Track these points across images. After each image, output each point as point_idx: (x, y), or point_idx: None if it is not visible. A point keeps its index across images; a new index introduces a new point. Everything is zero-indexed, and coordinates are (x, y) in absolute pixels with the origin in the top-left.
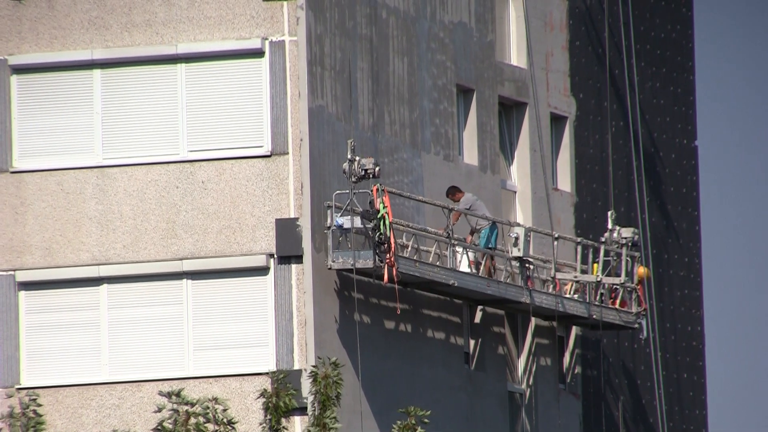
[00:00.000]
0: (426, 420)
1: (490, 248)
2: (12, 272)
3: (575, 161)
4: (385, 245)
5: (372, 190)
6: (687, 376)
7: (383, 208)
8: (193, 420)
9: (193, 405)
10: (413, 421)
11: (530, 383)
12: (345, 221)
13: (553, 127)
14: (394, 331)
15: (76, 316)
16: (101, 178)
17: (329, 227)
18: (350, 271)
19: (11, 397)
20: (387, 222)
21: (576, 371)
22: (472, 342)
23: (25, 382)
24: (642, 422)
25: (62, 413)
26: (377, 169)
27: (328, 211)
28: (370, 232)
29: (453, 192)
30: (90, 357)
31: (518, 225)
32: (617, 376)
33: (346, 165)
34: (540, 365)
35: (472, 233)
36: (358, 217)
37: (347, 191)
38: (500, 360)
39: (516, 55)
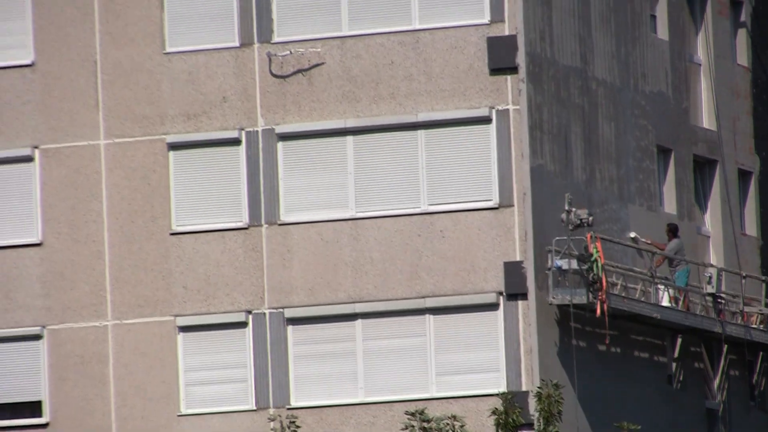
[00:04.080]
0: None
1: (686, 287)
2: (281, 309)
3: (760, 210)
4: (598, 284)
5: (586, 237)
6: None
7: (596, 252)
8: None
9: (428, 422)
10: None
11: (724, 400)
12: (563, 263)
13: (740, 180)
14: (606, 356)
15: (336, 347)
16: (354, 229)
17: (549, 268)
18: (568, 305)
19: (273, 420)
20: (599, 264)
21: (763, 390)
22: (674, 365)
23: (294, 403)
24: None
25: (325, 429)
26: (591, 218)
27: (549, 255)
28: (585, 273)
29: (670, 230)
30: (348, 381)
31: (711, 266)
32: None
33: (564, 215)
34: (733, 385)
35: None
36: (575, 260)
37: (565, 237)
38: (698, 381)
39: (707, 119)
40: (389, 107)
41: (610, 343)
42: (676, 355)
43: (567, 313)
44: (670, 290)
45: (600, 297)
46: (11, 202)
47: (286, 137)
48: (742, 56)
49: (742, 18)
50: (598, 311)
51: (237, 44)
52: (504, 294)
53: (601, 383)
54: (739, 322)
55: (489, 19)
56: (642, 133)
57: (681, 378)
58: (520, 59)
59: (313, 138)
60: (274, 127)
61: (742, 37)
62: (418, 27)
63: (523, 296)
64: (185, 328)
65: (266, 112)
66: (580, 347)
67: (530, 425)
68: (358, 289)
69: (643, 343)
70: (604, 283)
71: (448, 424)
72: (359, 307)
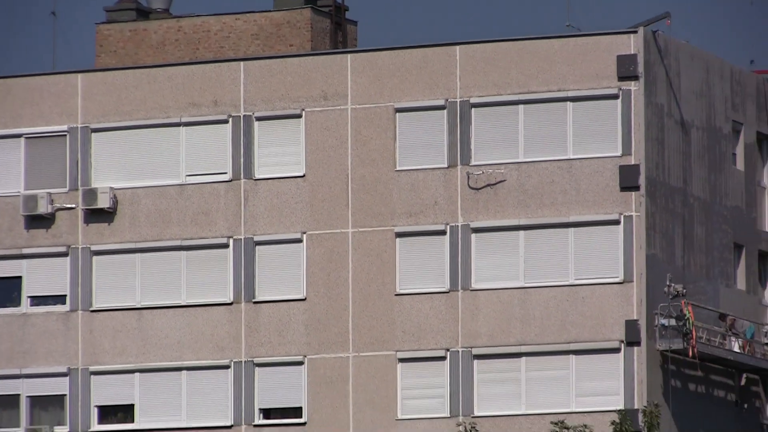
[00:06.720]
0: None
1: (751, 339)
2: (470, 348)
3: None
4: (690, 335)
5: (681, 303)
6: None
7: (688, 313)
8: None
9: (568, 429)
10: None
11: None
12: (666, 321)
13: None
14: (693, 386)
15: (506, 376)
16: (523, 294)
17: (656, 325)
18: (668, 350)
19: (459, 425)
20: (691, 321)
21: None
22: (740, 393)
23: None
24: None
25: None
26: (684, 290)
27: (656, 316)
28: (680, 328)
29: (724, 317)
30: (513, 399)
31: None
32: None
33: (666, 288)
34: None
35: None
36: (674, 319)
37: (667, 304)
38: (757, 404)
39: None
40: (550, 212)
41: (694, 379)
42: (742, 384)
43: (667, 356)
44: (740, 341)
45: (691, 344)
46: (286, 270)
47: (478, 230)
48: None
49: None
50: (690, 353)
51: (446, 165)
52: (624, 342)
53: (689, 405)
54: None
55: (621, 153)
56: (724, 234)
57: (745, 403)
58: (641, 181)
59: (496, 231)
60: (469, 223)
61: None
62: (572, 157)
63: (638, 344)
64: (403, 360)
65: (464, 212)
66: (675, 381)
67: None
68: (523, 336)
69: (719, 380)
70: (694, 335)
71: (582, 430)
72: (524, 348)
